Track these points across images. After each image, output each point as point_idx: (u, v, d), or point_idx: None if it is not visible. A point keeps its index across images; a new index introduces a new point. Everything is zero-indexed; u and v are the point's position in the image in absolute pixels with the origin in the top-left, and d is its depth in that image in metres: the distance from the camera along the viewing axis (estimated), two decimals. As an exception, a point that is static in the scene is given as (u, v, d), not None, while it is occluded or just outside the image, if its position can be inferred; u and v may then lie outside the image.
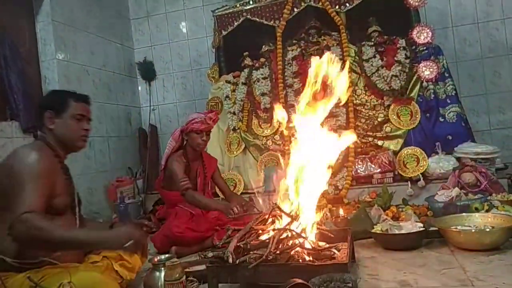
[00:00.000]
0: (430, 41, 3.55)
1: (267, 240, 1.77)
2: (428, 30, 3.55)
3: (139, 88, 5.07)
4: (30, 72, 3.64)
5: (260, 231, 1.87)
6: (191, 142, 2.96)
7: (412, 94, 3.52)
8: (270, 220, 1.95)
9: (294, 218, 1.89)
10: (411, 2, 3.61)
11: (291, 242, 1.77)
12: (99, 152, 4.18)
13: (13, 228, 1.49)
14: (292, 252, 1.73)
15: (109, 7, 4.65)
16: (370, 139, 3.59)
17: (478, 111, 4.22)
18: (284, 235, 1.79)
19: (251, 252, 1.70)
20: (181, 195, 2.78)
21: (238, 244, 1.70)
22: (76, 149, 1.88)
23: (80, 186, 3.81)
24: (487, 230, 2.20)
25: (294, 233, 1.79)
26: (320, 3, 3.91)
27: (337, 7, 3.88)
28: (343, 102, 2.17)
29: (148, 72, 4.93)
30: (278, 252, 1.69)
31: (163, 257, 1.89)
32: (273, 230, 1.86)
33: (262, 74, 3.93)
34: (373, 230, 2.45)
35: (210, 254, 1.83)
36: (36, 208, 1.55)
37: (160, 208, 3.41)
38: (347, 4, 3.86)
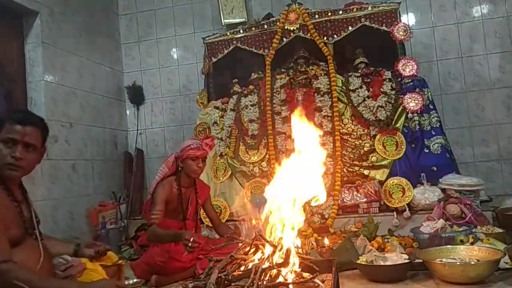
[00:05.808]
0: (415, 73, 3.63)
1: (249, 271, 1.72)
2: (413, 63, 3.63)
3: (127, 112, 5.06)
4: (16, 93, 3.61)
5: (242, 261, 1.82)
6: (187, 169, 2.86)
7: (397, 125, 3.57)
8: (253, 249, 1.91)
9: (277, 247, 1.85)
10: (397, 35, 3.71)
11: (274, 271, 1.73)
12: (82, 176, 4.10)
13: None
14: (274, 284, 1.68)
15: (100, 31, 4.68)
16: (357, 168, 3.61)
17: (462, 143, 4.29)
18: (267, 265, 1.75)
19: (232, 284, 1.65)
20: (146, 227, 2.72)
21: (219, 275, 1.65)
22: (4, 178, 1.57)
23: (61, 210, 3.74)
24: (472, 263, 2.19)
25: (276, 263, 1.74)
26: (309, 34, 4.00)
27: (325, 38, 3.97)
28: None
29: (136, 96, 4.94)
30: (260, 283, 1.64)
31: (131, 281, 1.85)
32: (256, 260, 1.82)
33: (250, 101, 3.96)
34: (358, 261, 2.42)
35: (191, 285, 1.76)
36: (8, 256, 1.43)
37: (142, 234, 3.33)
38: (335, 36, 3.95)
